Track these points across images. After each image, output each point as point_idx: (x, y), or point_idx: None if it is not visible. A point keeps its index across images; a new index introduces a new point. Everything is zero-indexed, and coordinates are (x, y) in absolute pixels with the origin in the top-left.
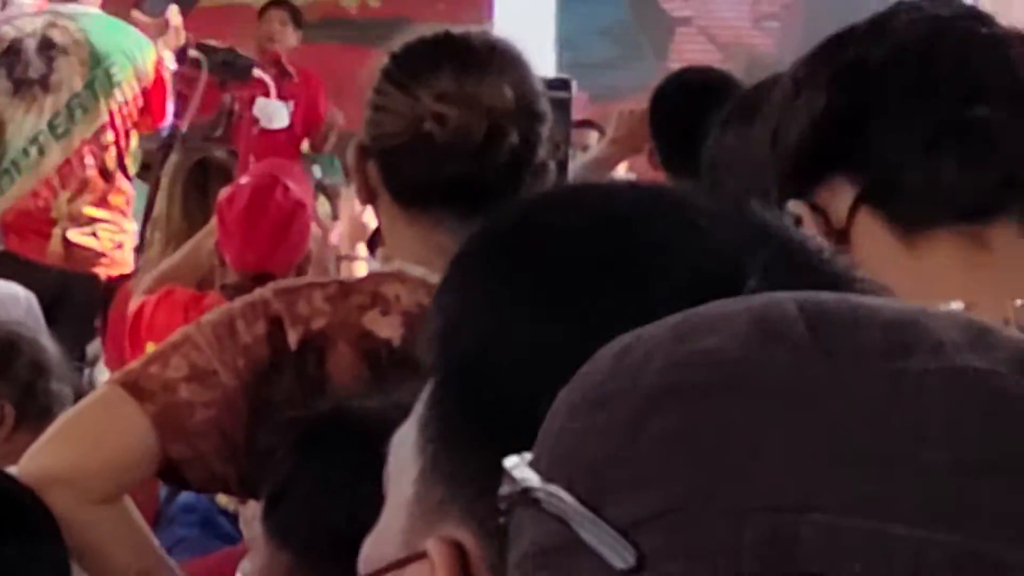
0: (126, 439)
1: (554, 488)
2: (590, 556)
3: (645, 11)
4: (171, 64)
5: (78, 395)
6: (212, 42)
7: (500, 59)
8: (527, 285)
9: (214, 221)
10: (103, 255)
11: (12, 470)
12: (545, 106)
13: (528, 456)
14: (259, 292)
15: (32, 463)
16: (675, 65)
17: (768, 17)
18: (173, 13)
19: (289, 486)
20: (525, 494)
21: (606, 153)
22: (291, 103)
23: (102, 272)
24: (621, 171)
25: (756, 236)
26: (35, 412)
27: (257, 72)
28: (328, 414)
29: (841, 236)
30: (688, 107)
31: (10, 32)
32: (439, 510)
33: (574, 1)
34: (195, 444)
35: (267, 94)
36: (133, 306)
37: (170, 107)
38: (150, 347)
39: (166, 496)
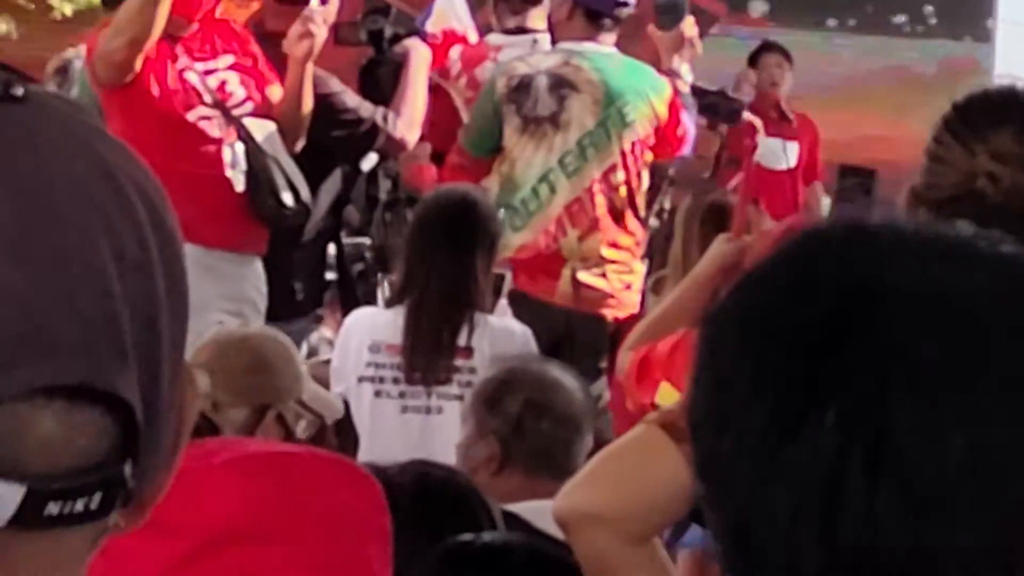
0: (665, 481)
1: None
2: None
3: None
4: (688, 76)
5: (598, 439)
6: (701, 84)
7: None
8: None
9: (699, 269)
10: (611, 296)
11: (512, 508)
12: None
13: None
14: None
15: (567, 501)
16: None
17: None
18: (688, 25)
19: None
20: None
21: None
22: (796, 144)
23: (609, 313)
24: None
25: None
26: (525, 451)
27: (747, 115)
28: None
29: None
30: None
31: (522, 68)
32: None
33: None
34: None
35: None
36: (629, 362)
37: (689, 132)
38: (664, 386)
39: (670, 536)
